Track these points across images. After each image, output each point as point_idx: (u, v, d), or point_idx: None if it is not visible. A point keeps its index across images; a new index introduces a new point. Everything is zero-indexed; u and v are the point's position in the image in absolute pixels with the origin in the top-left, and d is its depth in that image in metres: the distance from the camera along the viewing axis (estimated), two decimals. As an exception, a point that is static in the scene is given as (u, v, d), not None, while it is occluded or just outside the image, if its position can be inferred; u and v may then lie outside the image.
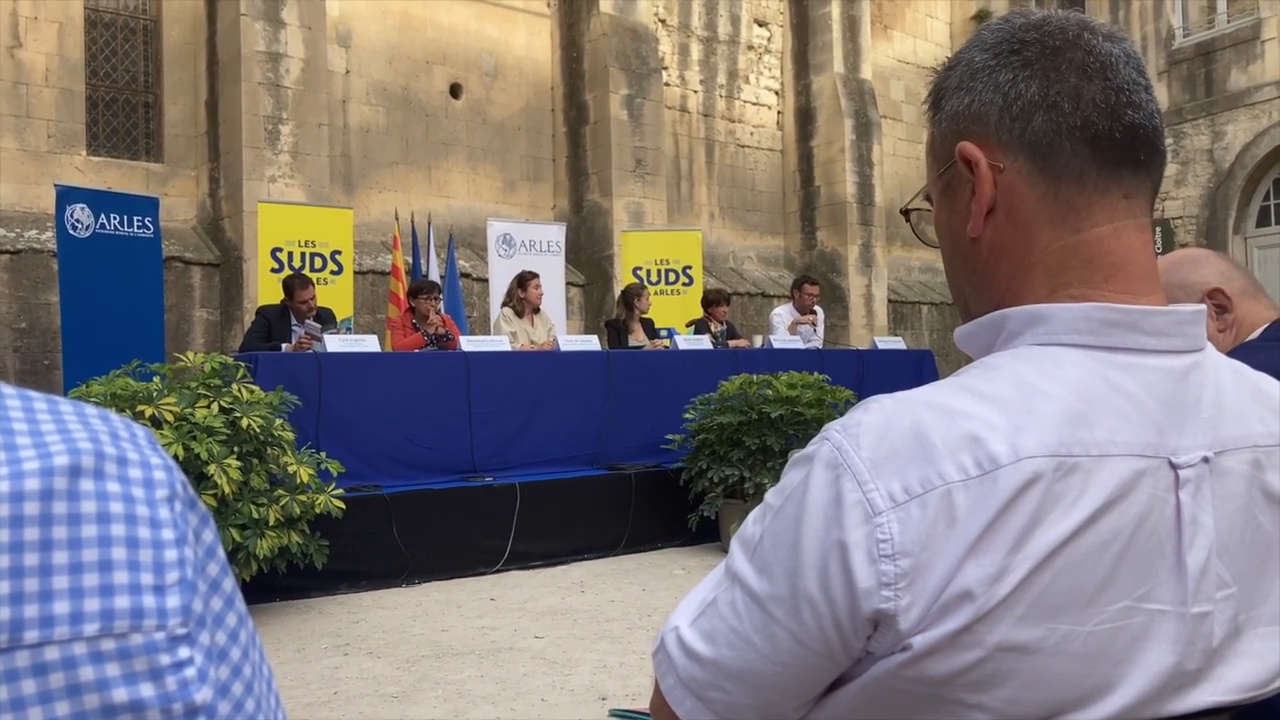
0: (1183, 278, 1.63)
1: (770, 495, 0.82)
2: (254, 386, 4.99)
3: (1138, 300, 0.81)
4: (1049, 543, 0.72)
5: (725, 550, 6.36)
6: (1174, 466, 0.77)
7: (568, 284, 11.41)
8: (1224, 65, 15.08)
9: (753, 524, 0.84)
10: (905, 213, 1.04)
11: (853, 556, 0.72)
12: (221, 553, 0.52)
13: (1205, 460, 0.79)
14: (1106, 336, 0.79)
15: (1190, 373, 0.81)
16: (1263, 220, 14.93)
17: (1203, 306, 0.85)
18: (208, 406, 4.68)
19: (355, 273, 9.76)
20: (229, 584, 0.52)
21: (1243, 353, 1.55)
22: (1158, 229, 15.64)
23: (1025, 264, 0.84)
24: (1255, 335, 1.59)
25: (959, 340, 0.90)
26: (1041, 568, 0.72)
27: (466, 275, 11.23)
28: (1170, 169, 15.71)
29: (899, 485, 0.73)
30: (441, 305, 7.31)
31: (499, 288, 9.62)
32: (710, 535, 6.62)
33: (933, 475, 0.72)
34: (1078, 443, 0.74)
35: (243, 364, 5.11)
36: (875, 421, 0.76)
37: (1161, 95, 15.86)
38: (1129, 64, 0.83)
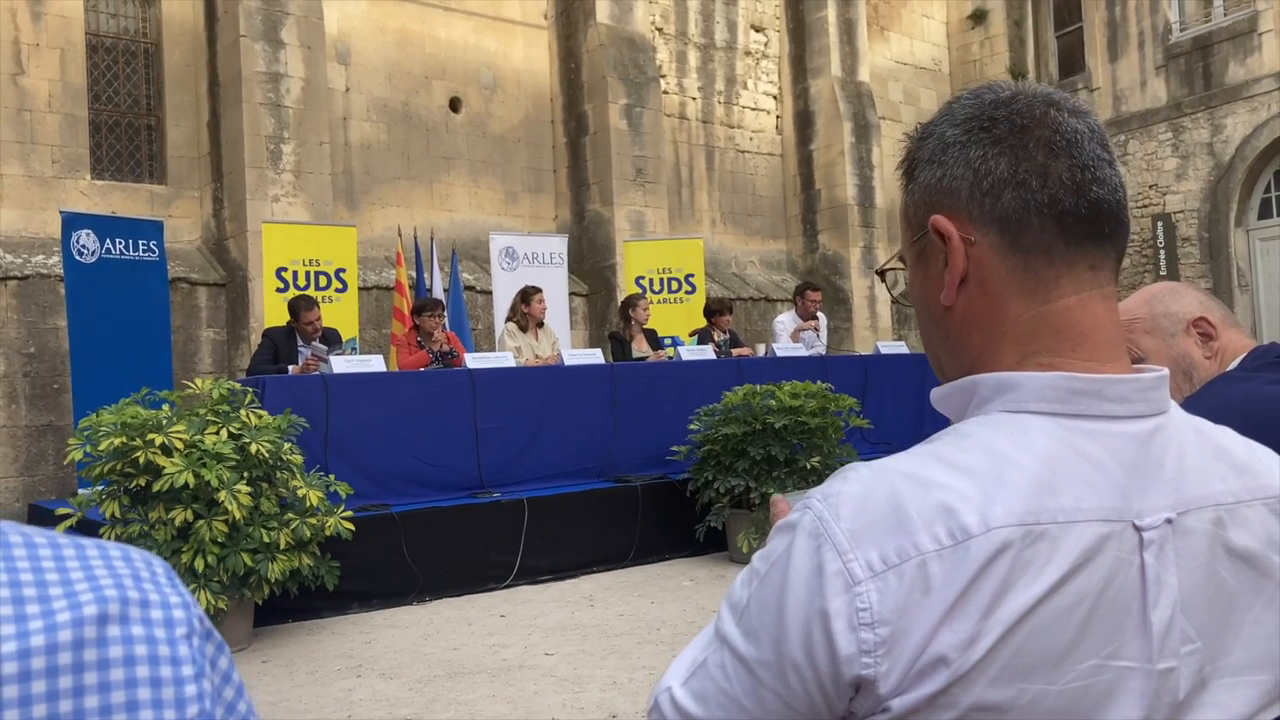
0: (1165, 308, 1.66)
1: (757, 560, 0.85)
2: (262, 411, 5.04)
3: (1103, 368, 0.84)
4: (1019, 608, 0.75)
5: (733, 560, 6.42)
6: (1138, 529, 0.81)
7: (571, 294, 11.46)
8: (1222, 58, 15.08)
9: (740, 587, 0.87)
10: (880, 273, 1.08)
11: (834, 624, 0.76)
12: (236, 675, 0.57)
13: (1168, 521, 0.82)
14: (1073, 404, 0.82)
15: (1154, 436, 0.84)
16: (1264, 212, 14.92)
17: (1164, 371, 0.88)
18: (217, 433, 4.74)
19: (360, 289, 9.83)
20: (244, 705, 0.56)
21: (1220, 384, 1.58)
22: (1159, 224, 15.66)
23: (996, 332, 0.88)
24: (1234, 365, 1.62)
25: (935, 401, 0.94)
26: (1012, 632, 0.75)
27: (470, 288, 11.28)
28: (1171, 163, 15.72)
29: (877, 555, 0.76)
30: (446, 322, 7.35)
31: (502, 300, 9.67)
32: (718, 545, 6.66)
33: (908, 546, 0.76)
34: (1045, 511, 0.77)
35: (250, 389, 5.17)
36: (854, 492, 0.80)
37: (1159, 90, 15.87)
38: (1094, 139, 0.87)
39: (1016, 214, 0.85)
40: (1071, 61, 17.22)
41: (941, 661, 0.75)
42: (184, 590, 0.54)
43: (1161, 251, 15.67)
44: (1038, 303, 0.86)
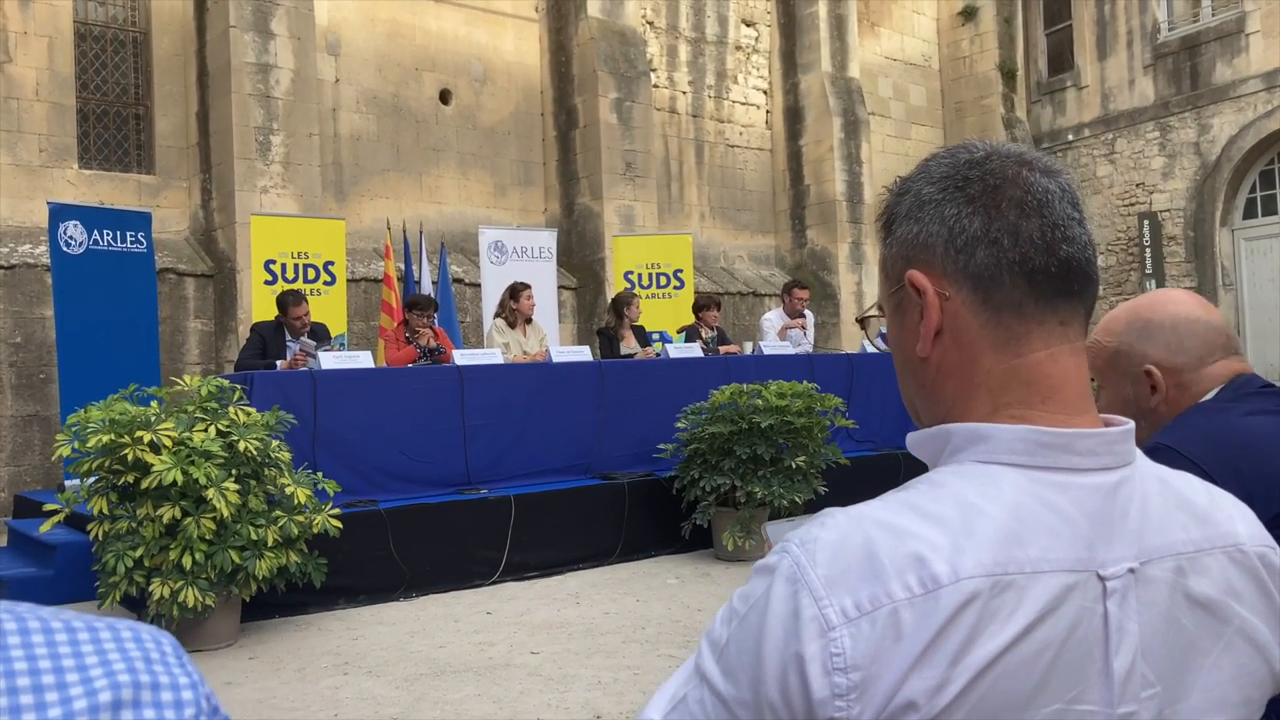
0: (1129, 345, 1.63)
1: (736, 600, 0.88)
2: (250, 409, 5.05)
3: (1071, 420, 0.88)
4: (986, 655, 0.79)
5: (718, 558, 6.47)
6: (1102, 578, 0.84)
7: (560, 288, 11.47)
8: (1209, 58, 15.17)
9: (720, 625, 0.90)
10: (860, 321, 1.11)
11: (809, 668, 0.79)
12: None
13: (1131, 571, 0.86)
14: (1041, 457, 0.86)
15: (1119, 488, 0.88)
16: (1250, 212, 15.02)
17: (1130, 425, 0.92)
18: (205, 430, 4.75)
19: (348, 280, 9.83)
20: None
21: (1194, 414, 1.59)
22: (1146, 222, 15.75)
23: (970, 384, 0.91)
24: (1211, 395, 1.61)
25: (910, 447, 0.97)
26: (979, 678, 0.79)
27: (459, 280, 11.29)
28: (1157, 162, 15.81)
29: (851, 602, 0.80)
30: (435, 319, 7.36)
31: (491, 294, 9.69)
32: (703, 543, 6.70)
33: (881, 594, 0.79)
34: (1012, 561, 0.81)
35: (239, 386, 5.18)
36: (831, 538, 0.83)
37: (1147, 89, 15.95)
38: (1064, 199, 0.90)
39: (989, 271, 0.88)
40: (1060, 59, 17.28)
41: (911, 706, 0.78)
42: (192, 669, 0.57)
43: (1147, 250, 15.77)
44: (1009, 356, 0.89)
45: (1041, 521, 0.84)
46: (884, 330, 1.07)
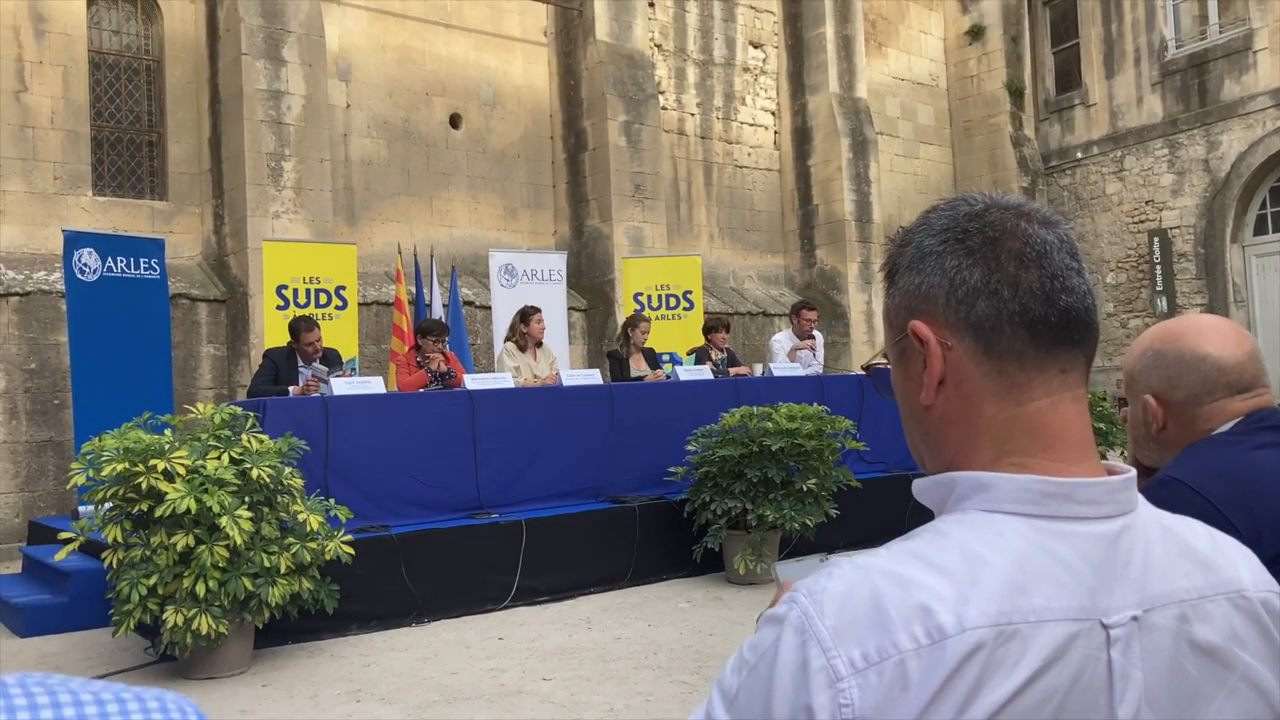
0: (1141, 369, 1.63)
1: (746, 649, 0.90)
2: (263, 436, 5.08)
3: (1073, 469, 0.89)
4: (991, 705, 0.80)
5: (729, 581, 6.46)
6: (1105, 627, 0.86)
7: (570, 309, 11.51)
8: (1217, 75, 15.17)
9: (731, 674, 0.91)
10: (866, 368, 1.12)
11: (819, 718, 0.81)
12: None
13: (1134, 619, 0.87)
14: (1044, 506, 0.87)
15: (1121, 536, 0.89)
16: (1260, 229, 15.00)
17: (1132, 474, 0.93)
18: (218, 458, 4.78)
19: (360, 304, 9.88)
20: None
21: (1205, 446, 1.59)
22: (1156, 239, 15.72)
23: (973, 432, 0.93)
24: (1227, 427, 1.59)
25: (916, 493, 0.99)
26: (985, 727, 0.80)
27: (470, 303, 11.34)
28: (1167, 179, 15.80)
29: (859, 653, 0.81)
30: (447, 344, 7.40)
31: (501, 316, 9.73)
32: (715, 566, 6.70)
33: (888, 645, 0.81)
34: (1016, 611, 0.82)
35: (252, 414, 5.21)
36: (838, 589, 0.84)
37: (1155, 106, 15.95)
38: (1063, 249, 0.92)
39: (990, 322, 0.90)
40: (1068, 77, 17.31)
41: (919, 755, 0.79)
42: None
43: (1158, 267, 15.74)
44: (1011, 405, 0.91)
45: (1045, 571, 0.85)
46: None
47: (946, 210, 0.97)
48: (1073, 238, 0.95)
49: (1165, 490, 1.50)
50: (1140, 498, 0.94)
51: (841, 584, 0.86)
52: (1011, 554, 0.85)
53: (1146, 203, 16.09)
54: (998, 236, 0.91)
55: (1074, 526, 0.88)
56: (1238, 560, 0.97)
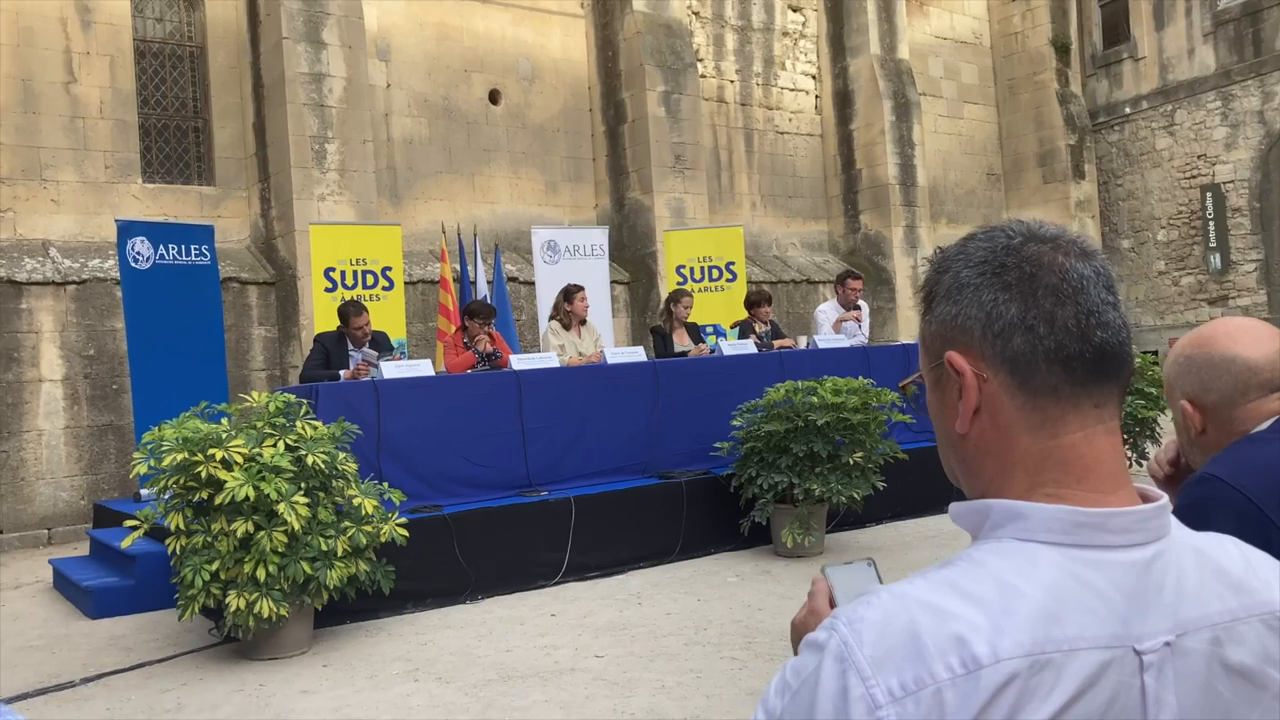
0: (1182, 371, 1.65)
1: (789, 673, 0.94)
2: (317, 422, 5.19)
3: (1105, 499, 0.92)
4: (1027, 733, 0.84)
5: (777, 554, 6.51)
6: (1139, 653, 0.88)
7: (613, 283, 11.55)
8: (1272, 24, 14.75)
9: (775, 696, 0.95)
10: (902, 387, 1.15)
11: (859, 745, 0.84)
12: None
13: (1167, 644, 0.90)
14: (1077, 536, 0.90)
15: (1154, 562, 0.91)
16: (1317, 181, 14.63)
17: (1165, 501, 0.95)
18: (274, 445, 4.89)
19: (406, 283, 9.99)
20: None
21: (1244, 445, 1.60)
22: (1208, 194, 15.38)
23: (1007, 462, 0.95)
24: (1266, 425, 1.61)
25: (953, 517, 1.01)
26: (1021, 755, 0.83)
27: (514, 279, 11.42)
28: (1220, 132, 15.43)
29: (897, 682, 0.85)
30: (493, 324, 7.47)
31: (545, 292, 9.80)
32: (762, 539, 6.74)
33: (925, 675, 0.84)
34: (1050, 640, 0.85)
35: (305, 401, 5.32)
36: (876, 619, 0.88)
37: (1208, 57, 15.56)
38: (1099, 283, 0.93)
39: (1025, 357, 0.92)
40: (1115, 30, 16.92)
41: (954, 783, 0.83)
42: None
43: (1211, 223, 15.42)
44: (1045, 437, 0.93)
45: (1078, 600, 0.88)
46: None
47: (985, 240, 0.98)
48: (1109, 269, 0.96)
49: (1203, 487, 1.52)
50: (1174, 521, 0.96)
51: (879, 614, 0.89)
52: (1045, 583, 0.88)
53: (1199, 157, 15.74)
54: (1035, 271, 0.92)
55: (1107, 555, 0.90)
56: (1272, 581, 0.99)
